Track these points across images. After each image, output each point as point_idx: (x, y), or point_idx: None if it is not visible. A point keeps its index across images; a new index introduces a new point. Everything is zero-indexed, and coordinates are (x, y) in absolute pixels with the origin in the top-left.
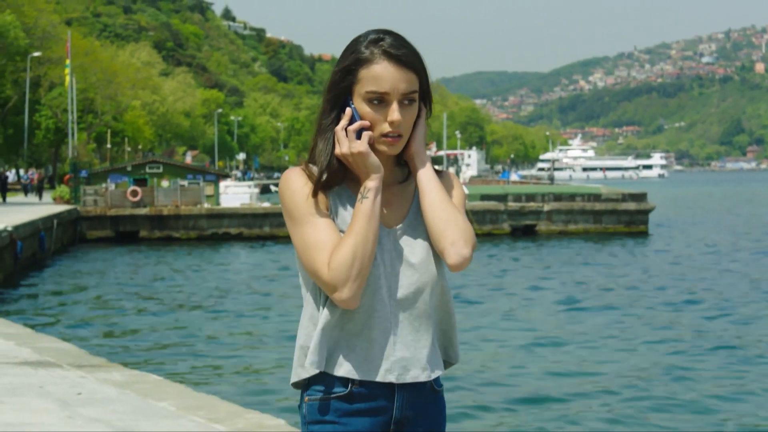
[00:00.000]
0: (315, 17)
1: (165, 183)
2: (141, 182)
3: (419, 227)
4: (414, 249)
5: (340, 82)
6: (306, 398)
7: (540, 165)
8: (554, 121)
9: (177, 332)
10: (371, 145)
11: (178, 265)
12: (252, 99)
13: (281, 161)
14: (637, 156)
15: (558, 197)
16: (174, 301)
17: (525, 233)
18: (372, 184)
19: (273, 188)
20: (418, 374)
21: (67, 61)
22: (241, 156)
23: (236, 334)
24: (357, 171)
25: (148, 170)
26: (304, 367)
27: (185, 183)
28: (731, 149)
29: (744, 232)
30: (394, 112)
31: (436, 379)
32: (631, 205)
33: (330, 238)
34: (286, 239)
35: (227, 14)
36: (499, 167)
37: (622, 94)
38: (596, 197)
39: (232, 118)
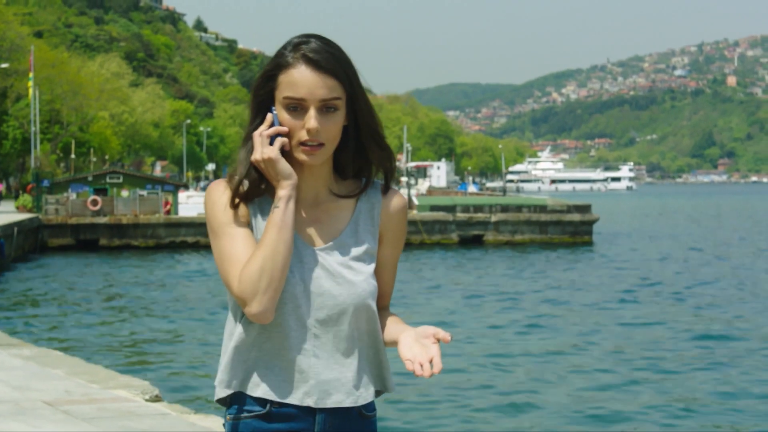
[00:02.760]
0: (287, 29)
1: (125, 193)
2: (101, 192)
3: (351, 248)
4: (341, 270)
5: (261, 88)
6: (228, 416)
7: (509, 177)
8: (527, 133)
9: (105, 329)
10: (287, 152)
11: (129, 271)
12: (222, 110)
13: None
14: (606, 168)
15: (505, 208)
16: (113, 302)
17: (473, 243)
18: (283, 192)
19: None
20: (342, 399)
21: (30, 74)
22: (210, 167)
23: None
24: (269, 178)
25: (108, 180)
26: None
27: (144, 193)
28: (702, 162)
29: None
30: (311, 119)
31: (368, 405)
32: (576, 216)
33: (245, 251)
34: None
35: (199, 25)
36: (469, 179)
37: (594, 106)
38: (542, 208)
39: (201, 128)
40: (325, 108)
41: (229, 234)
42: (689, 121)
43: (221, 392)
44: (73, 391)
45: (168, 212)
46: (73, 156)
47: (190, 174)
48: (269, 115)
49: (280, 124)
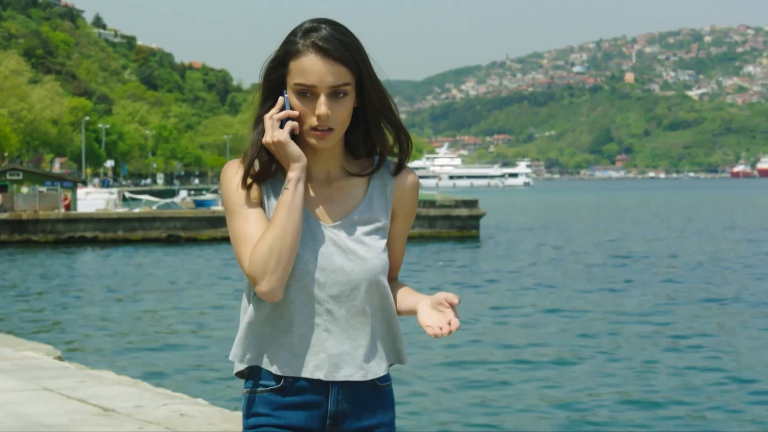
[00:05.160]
0: (186, 25)
1: (24, 189)
2: (2, 188)
3: (364, 225)
4: (353, 246)
5: (272, 73)
6: (244, 390)
7: None
8: (426, 129)
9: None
10: (297, 136)
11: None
12: (121, 107)
13: (149, 168)
14: (504, 164)
15: None
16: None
17: None
18: (292, 174)
19: (127, 195)
20: (352, 373)
21: None
22: (110, 163)
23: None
24: (280, 160)
25: (8, 177)
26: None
27: (44, 189)
28: (600, 158)
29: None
30: (321, 106)
31: (381, 377)
32: (464, 211)
33: (257, 230)
34: (139, 243)
35: (98, 22)
36: None
37: (493, 102)
38: (431, 203)
39: (100, 125)
40: (335, 94)
41: (241, 214)
42: (587, 118)
43: (238, 366)
44: None
45: (67, 208)
46: None
47: (89, 171)
48: (281, 99)
49: (291, 108)
